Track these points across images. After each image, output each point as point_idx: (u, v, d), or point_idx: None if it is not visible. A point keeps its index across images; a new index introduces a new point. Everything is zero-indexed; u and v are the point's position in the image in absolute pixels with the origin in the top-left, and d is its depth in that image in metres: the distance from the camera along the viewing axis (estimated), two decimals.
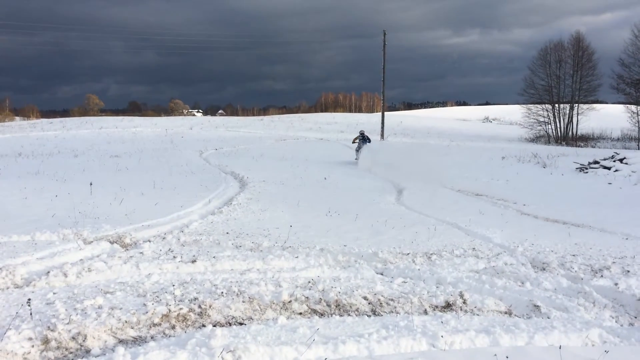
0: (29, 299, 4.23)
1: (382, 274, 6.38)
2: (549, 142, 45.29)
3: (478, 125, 65.01)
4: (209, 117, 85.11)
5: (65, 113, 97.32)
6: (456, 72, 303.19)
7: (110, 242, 7.10)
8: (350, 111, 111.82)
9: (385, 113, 44.80)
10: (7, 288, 5.06)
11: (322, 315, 4.89)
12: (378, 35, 42.93)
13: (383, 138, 40.08)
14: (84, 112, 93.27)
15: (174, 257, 6.25)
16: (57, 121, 60.92)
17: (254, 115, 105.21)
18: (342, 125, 58.69)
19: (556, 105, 48.39)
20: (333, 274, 6.10)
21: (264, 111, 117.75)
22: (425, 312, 5.08)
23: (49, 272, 5.41)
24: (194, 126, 52.51)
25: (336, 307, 5.05)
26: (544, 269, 6.84)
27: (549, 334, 4.47)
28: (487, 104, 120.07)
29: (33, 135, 39.61)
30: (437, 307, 5.21)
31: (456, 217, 10.63)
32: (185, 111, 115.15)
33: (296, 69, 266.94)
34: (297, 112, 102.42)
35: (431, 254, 7.31)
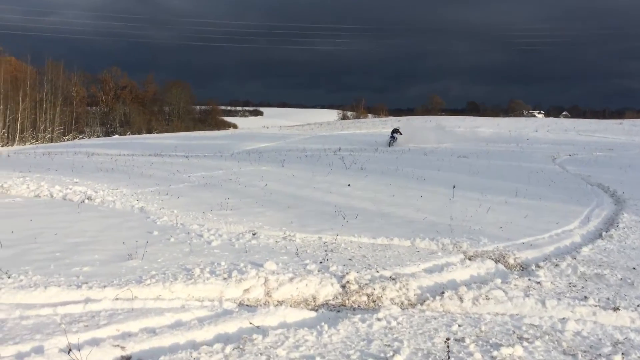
0: (448, 339, 3.58)
1: None
2: None
3: None
4: (552, 119, 79.17)
5: (409, 112, 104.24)
6: None
7: (493, 260, 6.25)
8: None
9: None
10: (402, 303, 4.65)
11: None
12: None
13: None
14: (427, 110, 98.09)
15: (585, 297, 4.97)
16: (403, 119, 65.27)
17: (604, 118, 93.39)
18: None
19: None
20: None
21: (618, 114, 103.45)
22: None
23: (442, 292, 4.83)
24: (539, 128, 49.05)
25: None
26: None
27: None
28: None
29: (384, 131, 43.08)
30: None
31: None
32: (525, 112, 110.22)
33: None
34: None
35: None
